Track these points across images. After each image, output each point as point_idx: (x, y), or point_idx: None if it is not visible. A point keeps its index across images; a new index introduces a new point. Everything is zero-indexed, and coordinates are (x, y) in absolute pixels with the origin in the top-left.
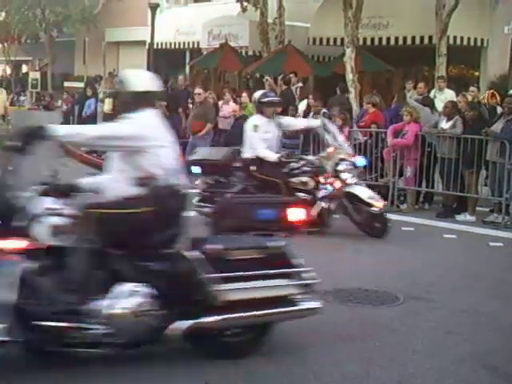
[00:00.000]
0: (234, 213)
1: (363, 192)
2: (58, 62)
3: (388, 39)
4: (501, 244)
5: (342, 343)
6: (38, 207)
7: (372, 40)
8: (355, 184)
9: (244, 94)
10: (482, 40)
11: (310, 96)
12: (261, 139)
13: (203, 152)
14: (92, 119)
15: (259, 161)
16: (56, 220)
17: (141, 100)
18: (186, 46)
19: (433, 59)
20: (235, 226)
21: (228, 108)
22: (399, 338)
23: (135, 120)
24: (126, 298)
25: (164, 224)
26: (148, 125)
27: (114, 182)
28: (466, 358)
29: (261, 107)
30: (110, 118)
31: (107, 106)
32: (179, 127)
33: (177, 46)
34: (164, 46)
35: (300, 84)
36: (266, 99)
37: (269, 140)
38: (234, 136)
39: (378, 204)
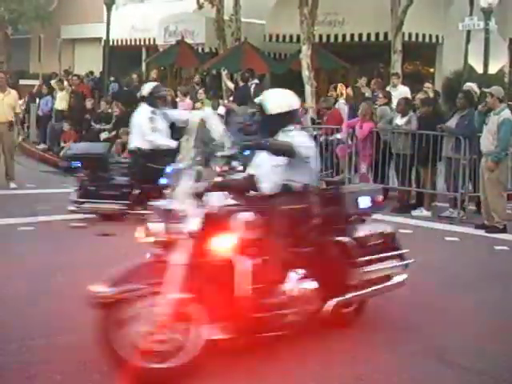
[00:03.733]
0: None
1: None
2: (13, 60)
3: (344, 36)
4: (457, 239)
5: (299, 340)
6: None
7: (328, 37)
8: None
9: (200, 91)
10: (437, 37)
11: None
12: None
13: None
14: (48, 117)
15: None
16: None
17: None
18: (142, 42)
19: (388, 56)
20: None
21: (184, 105)
22: (358, 333)
23: None
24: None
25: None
26: None
27: None
28: (423, 353)
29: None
30: (61, 115)
31: (60, 103)
32: None
33: (133, 43)
34: (120, 43)
35: (256, 81)
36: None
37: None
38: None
39: None
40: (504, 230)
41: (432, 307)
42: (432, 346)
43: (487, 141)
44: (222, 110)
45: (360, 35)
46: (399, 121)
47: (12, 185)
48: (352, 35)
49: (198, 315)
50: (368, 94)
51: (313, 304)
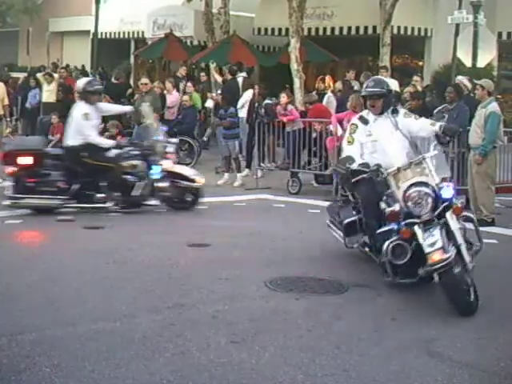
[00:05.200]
0: None
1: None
2: (1, 53)
3: (332, 29)
4: None
5: (287, 332)
6: None
7: (317, 30)
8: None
9: (189, 84)
10: (426, 30)
11: (256, 86)
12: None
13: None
14: (36, 110)
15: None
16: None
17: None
18: (131, 35)
19: (377, 49)
20: None
21: (171, 98)
22: (344, 325)
23: None
24: None
25: None
26: None
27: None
28: (411, 345)
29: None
30: (50, 106)
31: (49, 96)
32: (123, 116)
33: (121, 36)
34: (108, 36)
35: (244, 74)
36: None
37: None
38: (185, 125)
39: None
40: (492, 224)
41: (420, 299)
42: (421, 339)
43: (475, 134)
44: (210, 103)
45: (349, 28)
46: None
47: None
48: (341, 28)
49: None
50: (357, 87)
51: None
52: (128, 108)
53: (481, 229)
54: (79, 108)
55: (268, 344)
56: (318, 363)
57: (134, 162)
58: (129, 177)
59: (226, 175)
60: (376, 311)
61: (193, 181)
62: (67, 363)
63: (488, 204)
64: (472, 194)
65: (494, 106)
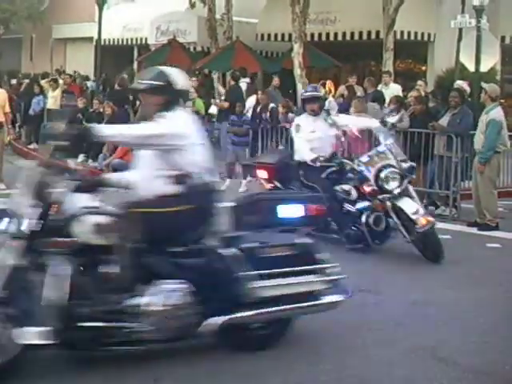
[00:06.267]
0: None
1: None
2: (4, 59)
3: (335, 34)
4: (449, 237)
5: (291, 337)
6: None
7: (320, 35)
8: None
9: (191, 90)
10: (429, 34)
11: (259, 92)
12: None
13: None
14: (40, 117)
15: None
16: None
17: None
18: (134, 42)
19: (380, 54)
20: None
21: None
22: (348, 330)
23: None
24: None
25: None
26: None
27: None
28: (416, 350)
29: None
30: (54, 113)
31: (53, 102)
32: (127, 123)
33: (124, 43)
34: (111, 43)
35: (247, 79)
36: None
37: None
38: None
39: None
40: (496, 228)
41: (425, 304)
42: (426, 343)
43: (479, 139)
44: (214, 109)
45: (352, 33)
46: (391, 119)
47: (1, 186)
48: (344, 33)
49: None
50: (360, 92)
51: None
52: (376, 123)
53: (484, 233)
54: (295, 120)
55: (272, 350)
56: (323, 368)
57: (346, 187)
58: (348, 206)
59: (228, 181)
60: (380, 316)
61: (414, 222)
62: (74, 368)
63: (491, 208)
64: (475, 198)
65: (495, 113)
